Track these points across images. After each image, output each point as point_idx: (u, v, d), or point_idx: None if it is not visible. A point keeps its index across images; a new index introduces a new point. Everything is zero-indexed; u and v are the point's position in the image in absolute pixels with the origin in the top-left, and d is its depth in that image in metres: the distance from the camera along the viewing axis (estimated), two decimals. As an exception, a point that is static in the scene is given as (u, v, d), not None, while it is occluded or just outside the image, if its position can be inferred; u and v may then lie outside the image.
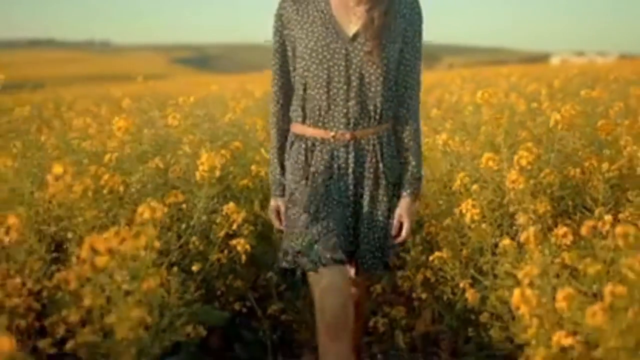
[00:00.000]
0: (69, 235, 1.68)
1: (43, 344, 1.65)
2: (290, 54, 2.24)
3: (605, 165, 2.55)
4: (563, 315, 1.50)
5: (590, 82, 6.86)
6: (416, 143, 2.28)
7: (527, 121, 4.05)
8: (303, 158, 2.21)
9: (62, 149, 2.46)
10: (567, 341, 1.46)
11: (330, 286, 2.16)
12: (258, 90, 6.99)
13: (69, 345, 1.46)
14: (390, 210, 2.25)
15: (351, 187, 2.21)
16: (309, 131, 2.21)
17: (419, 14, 2.26)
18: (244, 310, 2.83)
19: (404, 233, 2.26)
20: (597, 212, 2.25)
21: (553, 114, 2.66)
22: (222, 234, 2.26)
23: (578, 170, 2.67)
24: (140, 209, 1.57)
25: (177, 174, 2.60)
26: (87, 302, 1.43)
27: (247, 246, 2.25)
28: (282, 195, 2.30)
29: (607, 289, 1.33)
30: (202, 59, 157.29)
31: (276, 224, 2.34)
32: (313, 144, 2.20)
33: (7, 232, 1.53)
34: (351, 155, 2.19)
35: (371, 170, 2.22)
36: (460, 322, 2.52)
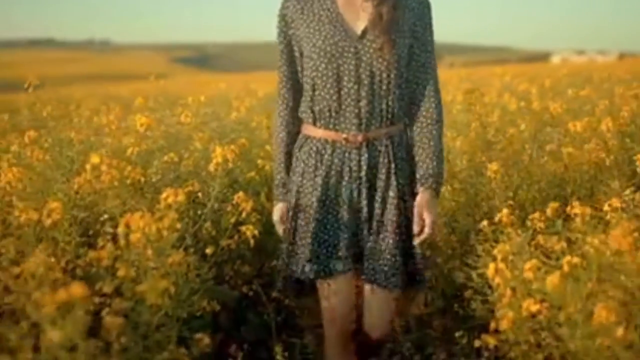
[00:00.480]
0: (102, 217, 1.89)
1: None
2: (297, 54, 2.18)
3: (583, 158, 2.78)
4: (532, 286, 1.74)
5: (580, 81, 7.10)
6: (435, 139, 2.17)
7: (517, 119, 4.29)
8: (313, 161, 2.15)
9: (86, 144, 2.70)
10: (535, 307, 1.70)
11: (340, 297, 2.13)
12: (261, 90, 7.22)
13: (105, 312, 1.68)
14: (402, 214, 2.13)
15: (364, 190, 2.12)
16: (320, 133, 2.15)
17: (428, 7, 2.19)
18: (251, 294, 3.05)
19: (427, 229, 2.13)
20: (572, 199, 2.48)
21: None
22: (232, 220, 2.50)
23: (560, 163, 2.90)
24: (164, 195, 1.80)
25: (190, 167, 2.83)
26: (120, 273, 1.66)
27: (255, 232, 2.48)
28: (286, 200, 2.24)
29: (565, 259, 1.57)
30: (202, 58, 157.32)
31: (280, 229, 2.27)
32: (324, 147, 2.14)
33: (48, 215, 1.76)
34: (364, 158, 2.12)
35: (383, 171, 2.13)
36: (448, 302, 2.73)
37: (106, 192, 2.04)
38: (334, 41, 2.10)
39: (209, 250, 2.34)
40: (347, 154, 2.12)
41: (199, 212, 2.39)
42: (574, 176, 2.66)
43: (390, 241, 2.11)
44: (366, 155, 2.12)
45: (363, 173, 2.11)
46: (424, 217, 2.12)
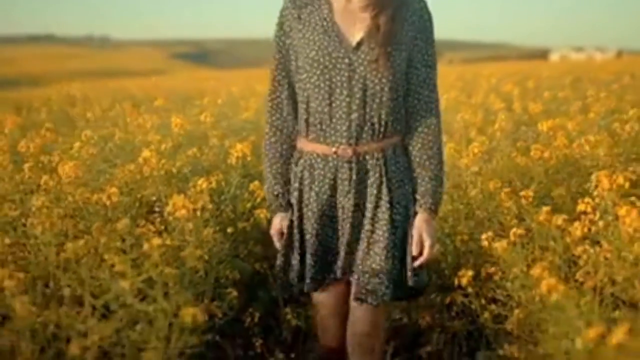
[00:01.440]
0: (147, 200, 2.34)
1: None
2: (293, 64, 2.12)
3: (546, 154, 3.24)
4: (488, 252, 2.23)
5: (561, 82, 7.56)
6: (434, 158, 2.11)
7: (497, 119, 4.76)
8: (307, 174, 2.12)
9: (124, 139, 3.18)
10: (492, 270, 2.19)
11: (329, 310, 2.21)
12: (266, 89, 7.66)
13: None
14: (393, 232, 2.08)
15: (352, 206, 2.08)
16: (311, 146, 2.11)
17: (429, 21, 2.10)
18: (262, 271, 3.51)
19: (426, 252, 2.08)
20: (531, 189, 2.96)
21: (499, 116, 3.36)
22: (248, 205, 2.97)
23: (524, 158, 3.35)
24: (199, 181, 2.28)
25: (210, 160, 3.31)
26: (169, 242, 2.13)
27: (268, 215, 2.94)
28: (285, 211, 2.19)
29: (512, 231, 2.07)
30: (202, 54, 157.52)
31: (278, 244, 2.21)
32: (316, 161, 2.11)
33: (108, 197, 2.23)
34: (354, 172, 2.07)
35: (374, 187, 2.08)
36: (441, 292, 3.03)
37: (145, 181, 2.51)
38: (327, 52, 2.04)
39: (229, 230, 2.82)
40: (338, 168, 2.08)
41: (222, 197, 2.85)
42: (539, 170, 3.12)
43: (378, 259, 2.06)
44: (356, 170, 2.08)
45: (353, 187, 2.08)
46: (423, 239, 2.08)
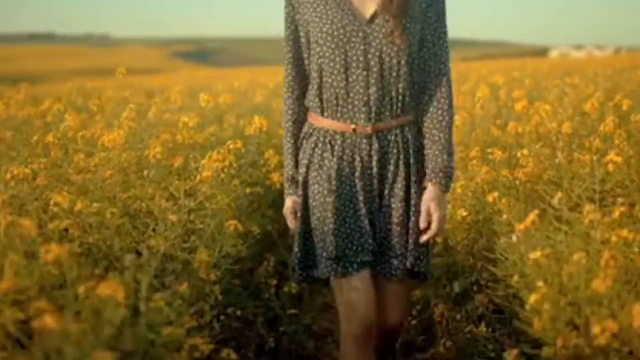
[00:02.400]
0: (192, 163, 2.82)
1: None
2: (304, 40, 2.11)
3: (520, 130, 3.75)
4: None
5: (550, 75, 8.08)
6: (445, 131, 2.09)
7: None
8: (320, 152, 2.09)
9: (158, 115, 3.71)
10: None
11: (358, 293, 2.06)
12: (271, 82, 8.21)
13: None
14: (410, 207, 2.09)
15: (375, 183, 2.07)
16: (327, 123, 2.08)
17: None
18: (274, 232, 4.02)
19: (434, 226, 2.07)
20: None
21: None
22: (264, 170, 3.49)
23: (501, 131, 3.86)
24: (228, 143, 2.78)
25: (229, 135, 3.84)
26: (201, 198, 2.64)
27: (281, 179, 3.46)
28: (297, 194, 2.17)
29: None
30: (202, 53, 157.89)
31: (292, 225, 2.19)
32: (333, 137, 2.08)
33: (154, 156, 2.76)
34: (375, 149, 2.06)
35: (392, 162, 2.07)
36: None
37: (177, 151, 3.02)
38: (341, 25, 2.03)
39: (248, 190, 3.34)
40: (357, 144, 2.06)
41: (242, 162, 3.36)
42: (511, 141, 3.64)
43: (397, 234, 2.07)
44: (377, 146, 2.06)
45: (374, 164, 2.06)
46: (432, 213, 2.07)
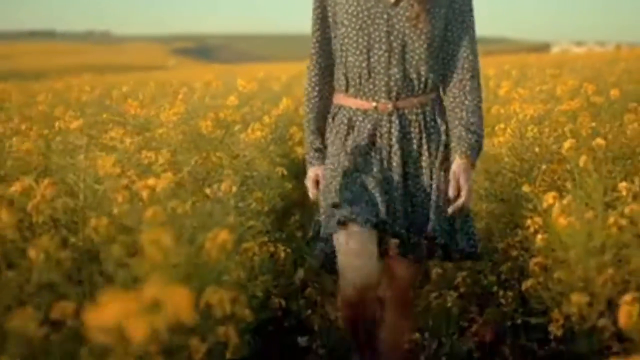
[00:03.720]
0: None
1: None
2: (331, 20, 2.18)
3: (502, 111, 4.45)
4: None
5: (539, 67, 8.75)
6: (469, 107, 2.12)
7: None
8: (345, 128, 2.15)
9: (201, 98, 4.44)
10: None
11: (358, 249, 2.00)
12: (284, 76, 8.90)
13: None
14: (435, 183, 2.10)
15: (396, 159, 2.09)
16: (350, 101, 2.15)
17: None
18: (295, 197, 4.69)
19: (463, 194, 2.08)
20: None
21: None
22: (290, 143, 4.20)
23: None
24: (265, 119, 3.49)
25: (259, 113, 4.57)
26: (250, 156, 3.35)
27: (303, 151, 4.16)
28: (321, 165, 2.23)
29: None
30: (202, 50, 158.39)
31: (313, 193, 2.25)
32: (355, 114, 2.14)
33: (206, 127, 3.48)
34: (395, 126, 2.10)
35: (414, 141, 2.11)
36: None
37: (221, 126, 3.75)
38: (366, 7, 2.09)
39: (278, 160, 4.05)
40: (378, 122, 2.11)
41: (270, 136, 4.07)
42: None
43: (418, 214, 2.09)
44: (397, 123, 2.10)
45: (395, 141, 2.09)
46: (460, 183, 2.08)
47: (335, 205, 2.05)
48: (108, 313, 0.84)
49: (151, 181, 1.61)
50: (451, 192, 2.09)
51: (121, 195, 1.60)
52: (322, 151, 2.25)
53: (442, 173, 2.12)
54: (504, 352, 2.50)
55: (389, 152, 2.11)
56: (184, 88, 4.68)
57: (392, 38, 2.09)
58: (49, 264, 1.20)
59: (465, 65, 2.15)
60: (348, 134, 2.14)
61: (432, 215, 2.08)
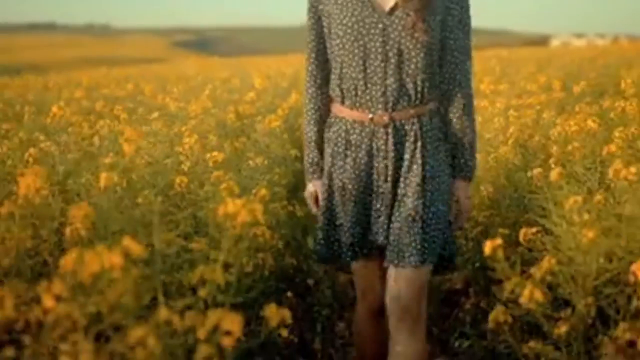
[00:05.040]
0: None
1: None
2: (326, 30, 2.17)
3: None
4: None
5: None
6: (470, 125, 2.17)
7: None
8: (343, 141, 2.15)
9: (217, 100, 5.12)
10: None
11: (368, 280, 2.22)
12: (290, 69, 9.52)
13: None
14: (421, 195, 2.09)
15: (390, 171, 2.12)
16: (346, 113, 2.15)
17: None
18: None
19: (461, 218, 2.23)
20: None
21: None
22: (297, 134, 4.88)
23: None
24: (279, 111, 4.18)
25: (272, 107, 5.25)
26: (267, 142, 4.04)
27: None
28: (319, 178, 2.24)
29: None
30: (202, 42, 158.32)
31: (313, 209, 2.27)
32: (352, 126, 2.14)
33: (229, 117, 4.15)
34: (390, 137, 2.11)
35: (408, 152, 2.11)
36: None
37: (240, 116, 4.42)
38: (360, 17, 2.09)
39: (289, 145, 4.73)
40: (374, 133, 2.12)
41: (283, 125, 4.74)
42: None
43: (406, 221, 2.09)
44: (392, 135, 2.11)
45: (390, 152, 2.11)
46: (461, 204, 2.20)
47: (349, 243, 2.15)
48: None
49: (215, 153, 2.37)
50: (453, 215, 2.20)
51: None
52: (320, 164, 2.25)
53: (434, 187, 2.13)
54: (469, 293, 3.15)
55: (386, 165, 2.12)
56: (209, 85, 5.35)
57: (387, 48, 2.09)
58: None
59: (462, 87, 2.16)
60: (346, 148, 2.15)
61: (427, 232, 2.11)
